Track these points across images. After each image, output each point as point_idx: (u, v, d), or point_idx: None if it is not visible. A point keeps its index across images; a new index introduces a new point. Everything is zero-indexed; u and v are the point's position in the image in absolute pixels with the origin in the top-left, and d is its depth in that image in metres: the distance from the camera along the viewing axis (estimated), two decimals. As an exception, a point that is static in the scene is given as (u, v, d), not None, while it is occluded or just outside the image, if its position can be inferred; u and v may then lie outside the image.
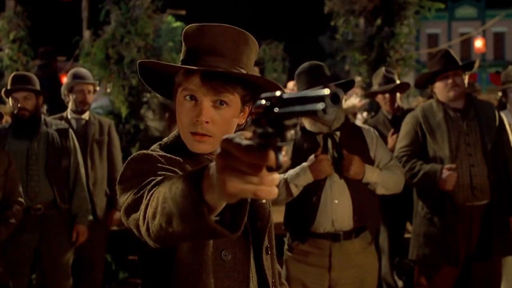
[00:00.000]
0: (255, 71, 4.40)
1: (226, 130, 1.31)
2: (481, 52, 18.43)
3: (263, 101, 0.73)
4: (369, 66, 6.04)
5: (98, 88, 4.12)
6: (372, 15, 6.10)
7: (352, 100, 5.40)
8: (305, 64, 2.66)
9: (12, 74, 3.48)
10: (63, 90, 3.91)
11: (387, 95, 4.00)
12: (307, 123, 2.66)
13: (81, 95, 3.83)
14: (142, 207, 1.02)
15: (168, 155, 1.28)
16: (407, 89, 4.31)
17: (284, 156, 0.73)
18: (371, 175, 2.56)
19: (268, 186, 0.74)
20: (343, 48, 7.34)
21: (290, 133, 0.72)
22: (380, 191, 2.62)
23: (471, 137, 3.08)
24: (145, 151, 1.27)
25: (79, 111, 3.87)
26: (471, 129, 3.10)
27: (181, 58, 1.37)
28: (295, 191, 2.53)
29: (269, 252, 1.40)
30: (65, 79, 4.38)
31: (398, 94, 4.05)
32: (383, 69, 4.18)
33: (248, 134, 0.75)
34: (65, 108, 3.98)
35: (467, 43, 27.12)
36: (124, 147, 5.12)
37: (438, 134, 3.11)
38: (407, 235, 4.00)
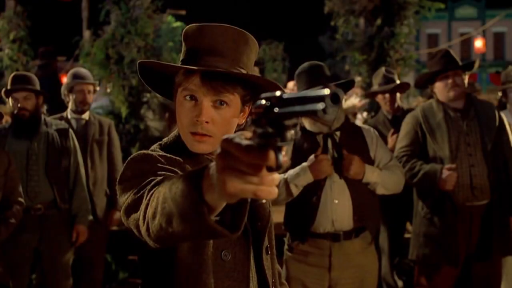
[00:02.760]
0: (255, 71, 4.40)
1: (226, 130, 1.31)
2: (481, 52, 18.42)
3: (263, 101, 0.73)
4: (369, 66, 6.03)
5: (98, 88, 4.12)
6: (372, 15, 6.09)
7: (352, 100, 5.40)
8: (305, 64, 2.66)
9: (12, 74, 3.48)
10: (63, 90, 3.91)
11: (387, 95, 4.00)
12: (307, 123, 2.66)
13: (81, 95, 3.83)
14: (142, 207, 1.02)
15: (168, 155, 1.27)
16: (407, 89, 4.31)
17: (284, 156, 0.73)
18: (371, 175, 2.56)
19: (268, 186, 0.74)
20: (343, 48, 7.34)
21: (290, 133, 0.72)
22: (380, 191, 2.62)
23: (471, 137, 3.08)
24: (145, 151, 1.27)
25: (79, 111, 3.87)
26: (471, 129, 3.10)
27: (181, 58, 1.37)
28: (295, 191, 2.53)
29: (269, 252, 1.40)
30: (65, 79, 4.38)
31: (398, 94, 4.05)
32: (383, 69, 4.18)
33: (248, 134, 0.74)
34: (65, 108, 3.98)
35: (467, 43, 27.11)
36: (124, 147, 5.12)
37: (438, 134, 3.11)
38: (407, 235, 4.00)
